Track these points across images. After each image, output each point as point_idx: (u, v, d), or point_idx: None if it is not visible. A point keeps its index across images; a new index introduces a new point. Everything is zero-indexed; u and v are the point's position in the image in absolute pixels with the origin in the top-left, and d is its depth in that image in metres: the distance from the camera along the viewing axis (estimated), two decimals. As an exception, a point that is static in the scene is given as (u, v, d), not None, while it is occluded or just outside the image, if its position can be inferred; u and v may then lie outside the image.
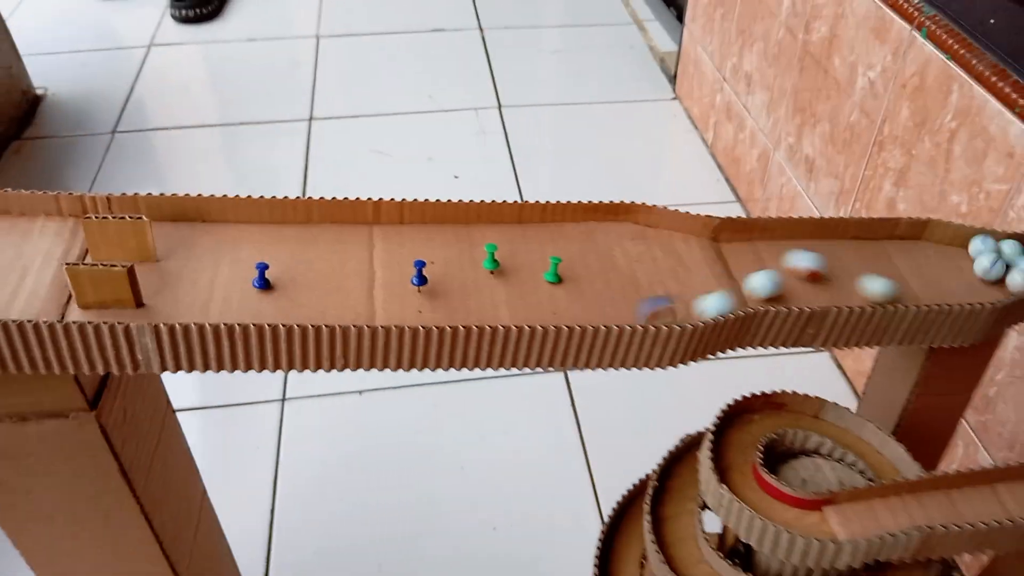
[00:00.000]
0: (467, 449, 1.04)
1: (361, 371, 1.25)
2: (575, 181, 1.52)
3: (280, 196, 0.54)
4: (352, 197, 0.54)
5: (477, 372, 1.15)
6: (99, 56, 1.86)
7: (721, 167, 1.52)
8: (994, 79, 0.81)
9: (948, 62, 0.87)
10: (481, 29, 1.97)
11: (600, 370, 0.51)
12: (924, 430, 0.64)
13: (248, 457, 1.03)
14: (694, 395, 1.04)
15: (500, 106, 1.69)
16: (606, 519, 0.65)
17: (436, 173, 1.51)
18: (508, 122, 1.64)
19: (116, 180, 1.48)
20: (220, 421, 1.07)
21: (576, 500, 1.00)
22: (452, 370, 0.50)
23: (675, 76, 1.75)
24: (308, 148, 1.57)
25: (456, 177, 1.50)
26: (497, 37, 1.93)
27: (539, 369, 0.51)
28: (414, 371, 0.50)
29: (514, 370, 1.16)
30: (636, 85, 1.77)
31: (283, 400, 1.09)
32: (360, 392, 1.11)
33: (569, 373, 1.16)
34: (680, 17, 1.70)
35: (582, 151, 1.60)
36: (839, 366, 1.17)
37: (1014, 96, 0.79)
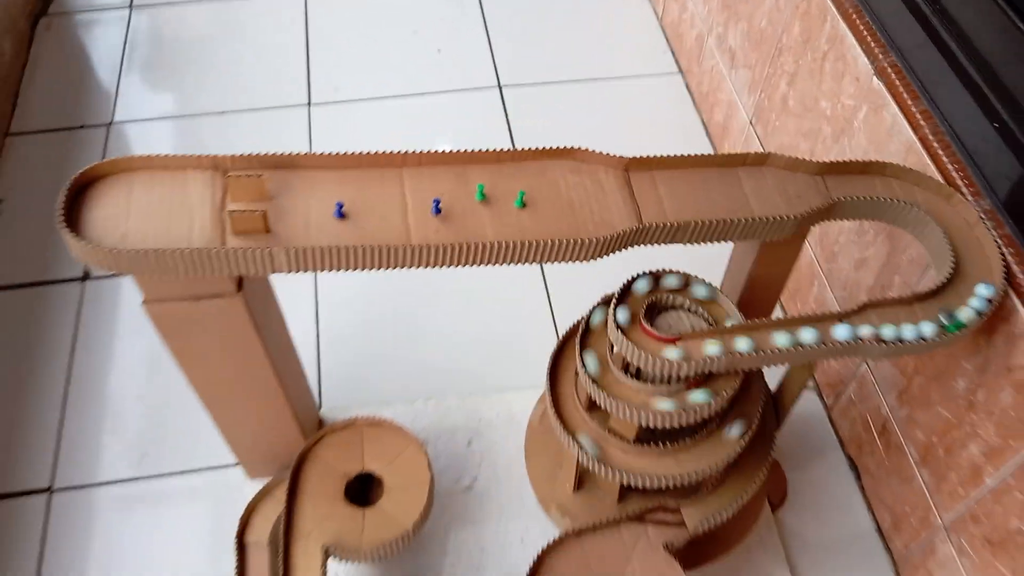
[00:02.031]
0: (460, 310, 1.38)
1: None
2: (541, 52, 1.75)
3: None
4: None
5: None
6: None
7: (668, 39, 1.76)
8: (854, 16, 1.07)
9: (826, -4, 1.12)
10: None
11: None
12: (761, 291, 0.97)
13: (293, 307, 1.36)
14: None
15: (477, -20, 1.88)
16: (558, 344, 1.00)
17: (421, 47, 1.74)
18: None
19: (146, 63, 1.70)
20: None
21: (544, 339, 1.34)
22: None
23: (633, -55, 1.92)
24: (307, 23, 1.77)
25: (439, 51, 1.73)
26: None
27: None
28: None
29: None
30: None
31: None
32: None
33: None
34: None
35: (549, 23, 1.82)
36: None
37: (864, 34, 1.06)
